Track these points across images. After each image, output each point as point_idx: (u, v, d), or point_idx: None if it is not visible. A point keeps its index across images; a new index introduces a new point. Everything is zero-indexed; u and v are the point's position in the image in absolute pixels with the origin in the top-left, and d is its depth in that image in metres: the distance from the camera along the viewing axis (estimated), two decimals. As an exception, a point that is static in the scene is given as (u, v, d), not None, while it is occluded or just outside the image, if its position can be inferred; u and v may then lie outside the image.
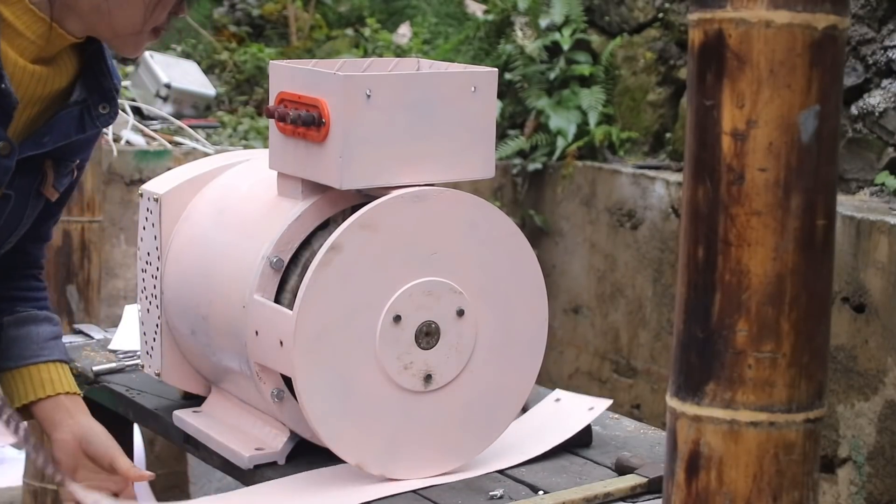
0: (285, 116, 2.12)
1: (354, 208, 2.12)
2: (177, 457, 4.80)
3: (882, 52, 4.32)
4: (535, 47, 5.50)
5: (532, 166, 5.41)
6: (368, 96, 2.05)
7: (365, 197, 2.14)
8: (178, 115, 5.63)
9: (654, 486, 2.10)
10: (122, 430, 2.71)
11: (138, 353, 2.55)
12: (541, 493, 2.10)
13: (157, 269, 2.32)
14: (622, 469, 2.17)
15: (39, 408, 2.08)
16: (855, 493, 3.98)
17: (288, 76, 2.14)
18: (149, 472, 2.08)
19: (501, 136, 5.44)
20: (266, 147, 2.29)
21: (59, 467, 1.96)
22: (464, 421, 2.17)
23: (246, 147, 5.54)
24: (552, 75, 5.48)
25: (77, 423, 2.08)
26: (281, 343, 2.03)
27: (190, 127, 5.50)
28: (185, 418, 2.30)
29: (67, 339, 2.61)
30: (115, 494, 2.05)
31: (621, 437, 2.36)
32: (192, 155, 5.02)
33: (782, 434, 1.26)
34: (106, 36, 1.93)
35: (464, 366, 2.15)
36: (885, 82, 4.31)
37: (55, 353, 2.09)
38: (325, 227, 2.15)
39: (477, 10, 6.62)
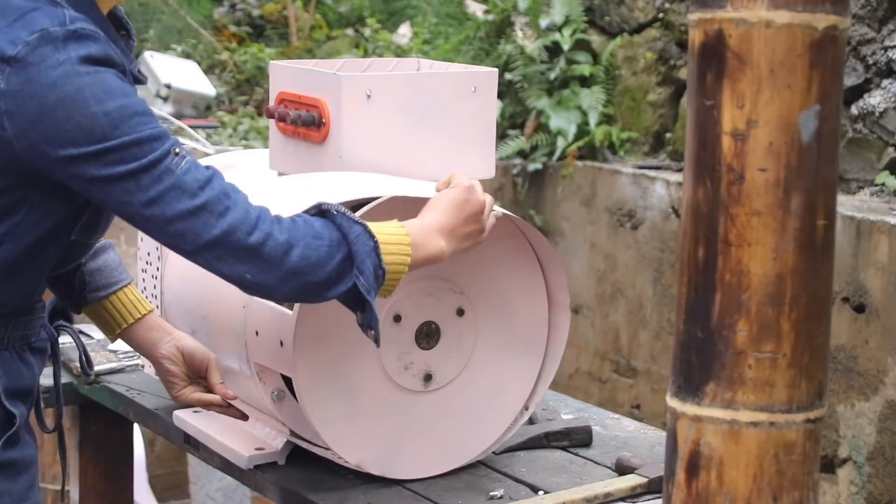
0: (285, 116, 2.12)
1: (354, 208, 2.12)
2: (177, 457, 4.80)
3: (882, 52, 4.32)
4: (536, 47, 5.50)
5: (532, 166, 5.41)
6: (368, 96, 2.05)
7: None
8: (178, 115, 5.63)
9: (654, 486, 2.10)
10: (122, 430, 2.71)
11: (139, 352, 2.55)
12: (541, 493, 2.10)
13: (157, 269, 2.32)
14: (622, 469, 2.17)
15: (136, 329, 2.13)
16: (855, 493, 3.98)
17: (288, 76, 2.15)
18: (231, 393, 2.13)
19: (501, 136, 5.44)
20: (266, 147, 2.29)
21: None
22: (464, 421, 2.17)
23: (246, 147, 5.54)
24: (552, 75, 5.48)
25: (174, 337, 2.14)
26: (281, 343, 2.03)
27: (190, 127, 5.50)
28: (185, 418, 2.30)
29: (67, 339, 2.61)
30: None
31: (621, 437, 2.36)
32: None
33: (782, 434, 1.26)
34: None
35: (464, 366, 2.15)
36: (885, 82, 4.31)
37: (127, 275, 2.14)
38: (326, 227, 2.14)
39: (477, 10, 6.62)
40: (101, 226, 1.89)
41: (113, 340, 2.18)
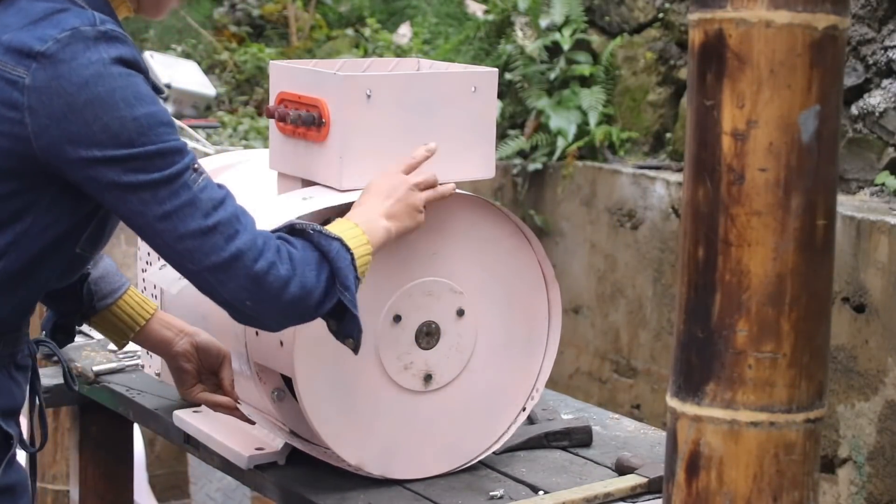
0: (285, 116, 2.11)
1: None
2: (177, 457, 4.80)
3: (882, 52, 4.32)
4: (536, 47, 5.50)
5: (532, 166, 5.41)
6: (368, 96, 2.05)
7: (365, 197, 2.13)
8: (179, 115, 5.63)
9: (654, 486, 2.10)
10: (122, 430, 2.71)
11: (138, 353, 2.55)
12: (541, 493, 2.10)
13: (158, 269, 2.32)
14: (622, 469, 2.17)
15: (150, 328, 2.13)
16: (855, 493, 3.98)
17: (288, 76, 2.14)
18: (236, 395, 2.13)
19: (501, 136, 5.44)
20: (266, 147, 2.29)
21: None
22: (464, 421, 2.17)
23: (246, 147, 5.54)
24: (552, 75, 5.48)
25: (188, 334, 2.13)
26: (281, 343, 2.03)
27: (190, 127, 5.51)
28: (185, 418, 2.30)
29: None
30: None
31: (621, 437, 2.36)
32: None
33: (782, 434, 1.26)
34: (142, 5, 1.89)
35: (464, 366, 2.15)
36: (885, 82, 4.31)
37: (126, 278, 2.15)
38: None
39: (477, 10, 6.63)
40: (105, 238, 1.87)
41: (123, 346, 2.16)
